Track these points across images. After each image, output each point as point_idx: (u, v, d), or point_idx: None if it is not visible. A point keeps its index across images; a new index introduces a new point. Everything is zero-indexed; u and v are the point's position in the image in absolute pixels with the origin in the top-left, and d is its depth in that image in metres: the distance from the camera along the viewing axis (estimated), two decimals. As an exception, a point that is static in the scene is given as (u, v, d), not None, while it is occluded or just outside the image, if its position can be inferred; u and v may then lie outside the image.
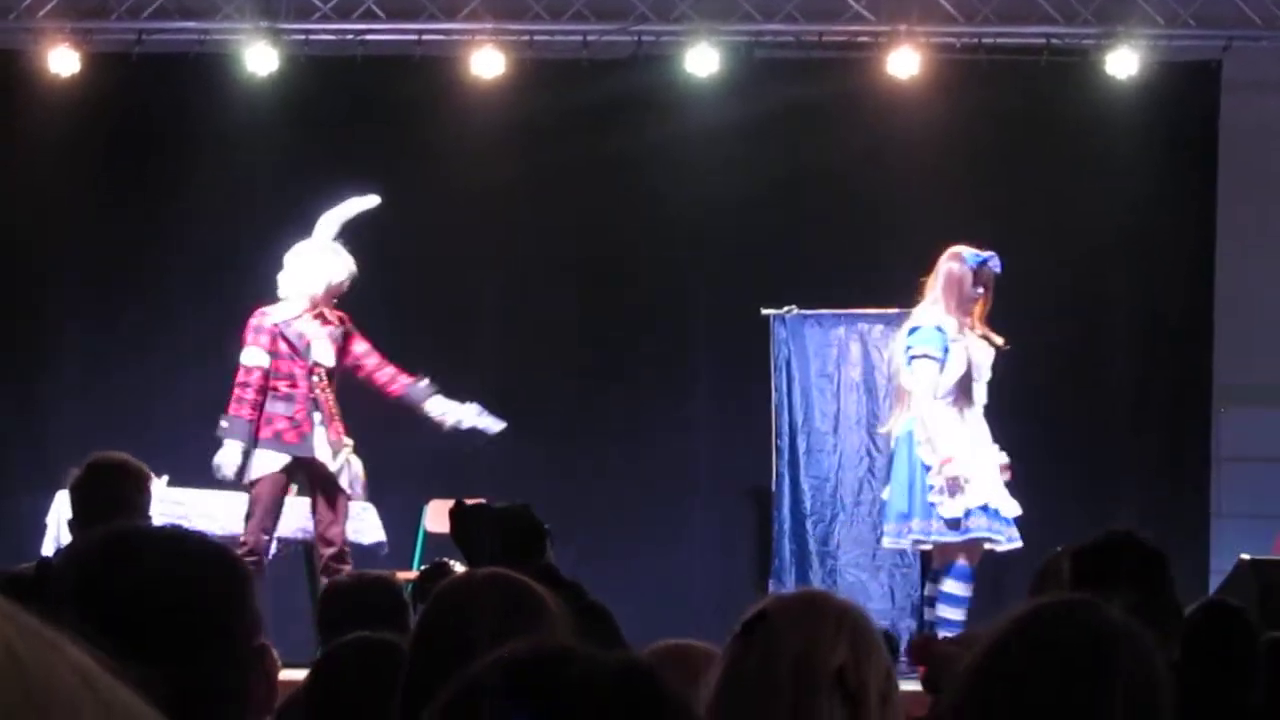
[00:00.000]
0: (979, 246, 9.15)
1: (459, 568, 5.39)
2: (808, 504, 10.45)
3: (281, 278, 9.09)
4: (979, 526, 8.99)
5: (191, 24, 10.92)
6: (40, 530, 9.56)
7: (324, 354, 8.98)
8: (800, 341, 10.61)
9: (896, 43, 10.85)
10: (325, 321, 9.05)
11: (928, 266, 9.30)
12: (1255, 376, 11.24)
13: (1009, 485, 9.18)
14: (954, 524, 8.97)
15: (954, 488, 8.91)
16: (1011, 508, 9.10)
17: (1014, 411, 10.86)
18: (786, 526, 10.42)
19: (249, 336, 8.98)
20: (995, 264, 9.10)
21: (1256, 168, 11.23)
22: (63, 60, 10.78)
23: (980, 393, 9.18)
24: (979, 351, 9.11)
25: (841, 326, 10.63)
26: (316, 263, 9.08)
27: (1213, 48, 11.07)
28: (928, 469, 9.01)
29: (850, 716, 2.41)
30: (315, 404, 8.91)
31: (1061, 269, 11.10)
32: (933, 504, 9.00)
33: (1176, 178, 11.19)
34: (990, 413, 10.64)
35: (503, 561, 3.05)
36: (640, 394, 11.05)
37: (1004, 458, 9.21)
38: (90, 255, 11.07)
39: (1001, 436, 10.79)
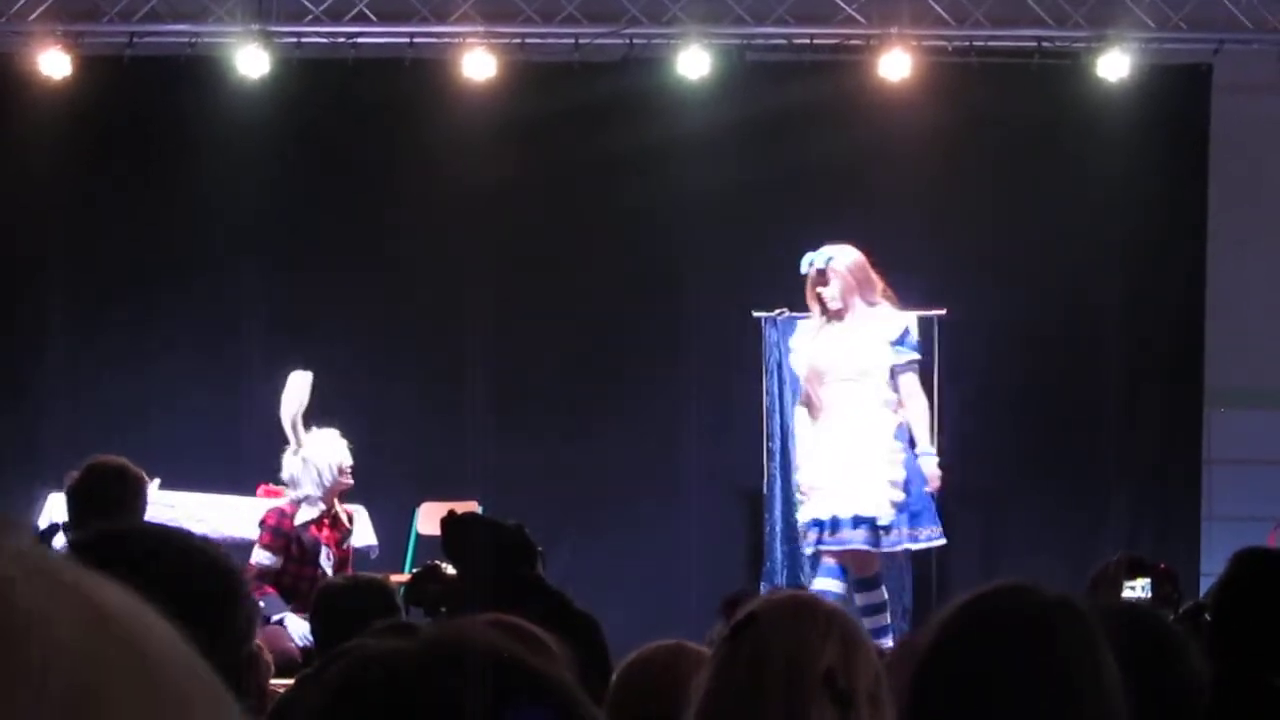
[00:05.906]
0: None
1: (450, 570, 5.41)
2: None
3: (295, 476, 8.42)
4: (810, 541, 9.07)
5: (183, 27, 10.91)
6: (30, 532, 9.55)
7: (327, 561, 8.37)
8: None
9: (888, 46, 10.85)
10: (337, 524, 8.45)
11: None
12: (1248, 378, 11.25)
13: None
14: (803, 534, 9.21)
15: (804, 496, 9.03)
16: (865, 507, 8.82)
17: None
18: (778, 529, 10.41)
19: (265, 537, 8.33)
20: (813, 262, 9.01)
21: (1247, 170, 11.24)
22: (54, 63, 10.77)
23: (839, 391, 8.94)
24: (834, 348, 8.93)
25: (833, 329, 10.61)
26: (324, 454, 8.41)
27: (1204, 50, 11.08)
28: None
29: (839, 718, 2.41)
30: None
31: (1053, 272, 11.11)
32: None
33: (1168, 180, 11.19)
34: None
35: (493, 573, 3.06)
36: (632, 396, 11.04)
37: (930, 465, 8.93)
38: (81, 258, 11.05)
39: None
